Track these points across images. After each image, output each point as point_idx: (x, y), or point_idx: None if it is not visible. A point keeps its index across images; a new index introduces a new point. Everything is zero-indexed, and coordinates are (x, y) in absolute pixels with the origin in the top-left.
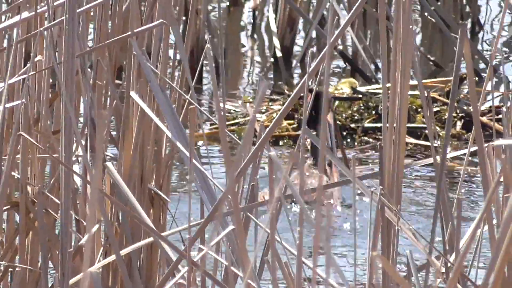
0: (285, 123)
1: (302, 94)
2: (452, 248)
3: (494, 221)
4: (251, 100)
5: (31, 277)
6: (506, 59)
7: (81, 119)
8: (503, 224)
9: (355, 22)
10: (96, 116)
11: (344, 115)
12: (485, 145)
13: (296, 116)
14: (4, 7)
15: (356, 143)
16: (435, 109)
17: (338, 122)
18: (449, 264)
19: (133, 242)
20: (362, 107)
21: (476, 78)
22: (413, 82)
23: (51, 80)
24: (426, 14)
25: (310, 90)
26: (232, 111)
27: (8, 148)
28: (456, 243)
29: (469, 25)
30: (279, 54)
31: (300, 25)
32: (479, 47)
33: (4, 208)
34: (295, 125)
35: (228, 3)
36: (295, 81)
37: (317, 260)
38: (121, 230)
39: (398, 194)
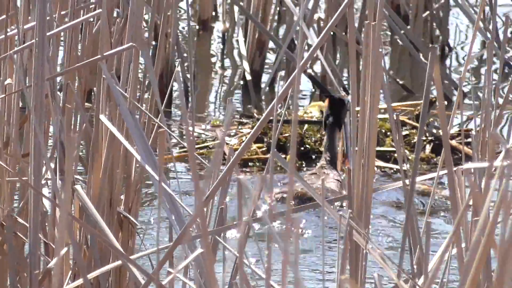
0: (254, 146)
1: (271, 118)
2: (420, 271)
3: (463, 245)
4: (220, 124)
5: None
6: (475, 83)
7: (51, 142)
8: (472, 247)
9: (324, 45)
10: (66, 140)
11: (313, 138)
12: (454, 168)
13: (265, 139)
14: None
15: (324, 166)
16: (404, 133)
17: (307, 146)
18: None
19: (102, 265)
20: None
21: (446, 102)
22: (382, 105)
23: (20, 103)
24: (396, 37)
25: (327, 96)
26: (202, 134)
27: None
28: (425, 266)
29: (438, 49)
30: (248, 77)
31: (270, 52)
32: (450, 71)
33: None
34: (264, 148)
35: (197, 27)
36: (264, 105)
37: (286, 284)
38: (90, 253)
39: (366, 217)
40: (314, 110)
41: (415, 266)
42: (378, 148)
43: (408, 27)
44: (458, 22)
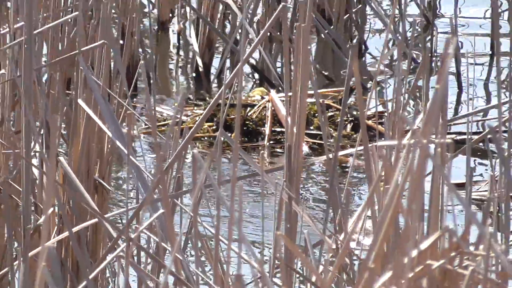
0: (206, 125)
1: (219, 102)
2: (341, 229)
3: (376, 207)
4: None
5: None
6: (388, 74)
7: (38, 122)
8: (384, 210)
9: (262, 43)
10: (50, 120)
11: (255, 119)
12: (370, 145)
13: (215, 119)
14: None
15: (265, 144)
16: (329, 114)
17: (249, 126)
18: (339, 242)
19: (82, 222)
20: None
21: (363, 89)
22: (311, 91)
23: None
24: (322, 36)
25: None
26: (164, 114)
27: None
28: (345, 225)
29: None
30: (201, 69)
31: (218, 47)
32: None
33: None
34: (214, 127)
35: (157, 27)
36: (214, 91)
37: (231, 238)
38: (72, 212)
39: (297, 184)
40: (256, 94)
41: (337, 225)
42: (307, 131)
43: (332, 27)
44: (374, 24)
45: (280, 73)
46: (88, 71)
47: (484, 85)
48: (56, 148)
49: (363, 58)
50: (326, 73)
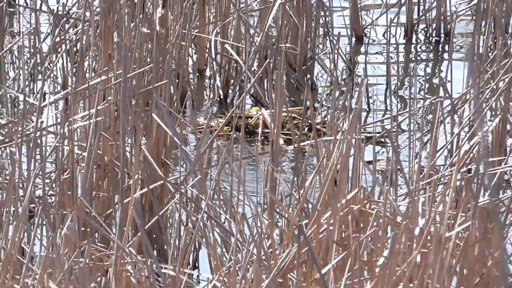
0: (225, 128)
1: (233, 115)
2: (302, 187)
3: (322, 174)
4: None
5: (107, 200)
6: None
7: (129, 127)
8: (325, 176)
9: (257, 81)
10: (136, 125)
11: (253, 125)
12: (318, 139)
13: (230, 124)
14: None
15: (258, 139)
16: (295, 122)
17: (249, 128)
18: (300, 194)
19: (154, 183)
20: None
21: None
22: (284, 109)
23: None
24: (290, 78)
25: None
26: (201, 122)
27: (95, 140)
28: (303, 184)
29: (310, 84)
30: (221, 97)
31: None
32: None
33: (94, 167)
34: (230, 129)
35: (197, 73)
36: (230, 109)
37: (239, 192)
38: (148, 177)
39: (276, 162)
40: (253, 111)
41: (299, 185)
42: (282, 132)
43: (296, 73)
44: (320, 72)
45: (267, 98)
46: (158, 98)
47: (385, 107)
48: (140, 141)
49: (315, 90)
50: (292, 99)
